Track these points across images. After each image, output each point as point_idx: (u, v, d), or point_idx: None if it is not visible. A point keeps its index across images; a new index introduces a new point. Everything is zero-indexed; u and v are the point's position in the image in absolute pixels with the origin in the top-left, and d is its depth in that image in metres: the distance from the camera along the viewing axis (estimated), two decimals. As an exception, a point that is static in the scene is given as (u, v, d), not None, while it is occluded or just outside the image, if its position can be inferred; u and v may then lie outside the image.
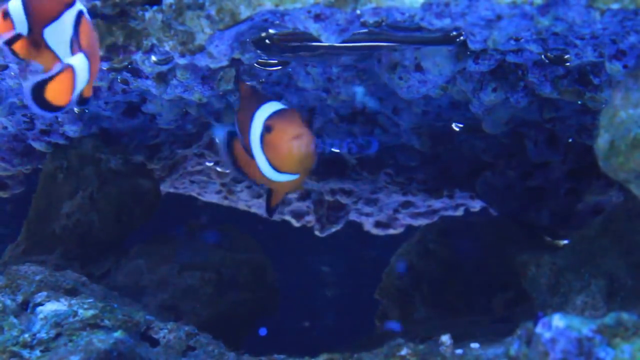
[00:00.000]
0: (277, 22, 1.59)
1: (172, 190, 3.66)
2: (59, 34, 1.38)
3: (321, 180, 3.02)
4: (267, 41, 1.72)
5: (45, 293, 1.70)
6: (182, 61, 1.79)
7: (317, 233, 3.58)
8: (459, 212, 3.80)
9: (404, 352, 1.39)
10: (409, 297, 2.90)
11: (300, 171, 1.66)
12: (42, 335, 1.53)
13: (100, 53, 1.66)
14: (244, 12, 1.49)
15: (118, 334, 1.45)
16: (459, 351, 1.36)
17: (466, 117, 2.42)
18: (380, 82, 2.01)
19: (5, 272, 1.79)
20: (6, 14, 1.38)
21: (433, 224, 3.21)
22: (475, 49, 1.67)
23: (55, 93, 1.32)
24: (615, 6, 1.35)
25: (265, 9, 1.48)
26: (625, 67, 1.59)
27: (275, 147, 1.62)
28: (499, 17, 1.46)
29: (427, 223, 3.60)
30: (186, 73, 1.91)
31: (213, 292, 2.59)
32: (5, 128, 2.29)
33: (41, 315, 1.61)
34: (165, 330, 1.65)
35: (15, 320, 1.57)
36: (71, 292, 1.76)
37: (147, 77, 1.95)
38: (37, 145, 2.42)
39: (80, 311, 1.60)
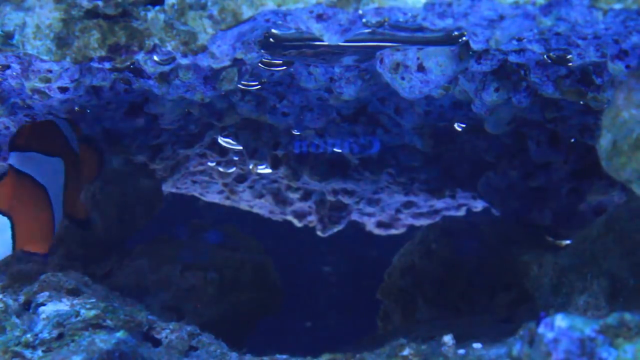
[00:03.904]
0: (280, 22, 1.59)
1: (174, 190, 3.67)
2: None
3: (323, 180, 3.02)
4: (271, 40, 1.73)
5: (47, 293, 1.70)
6: (184, 61, 1.79)
7: (319, 233, 3.58)
8: (461, 212, 3.80)
9: (406, 352, 1.39)
10: (410, 297, 2.90)
11: None
12: (44, 335, 1.53)
13: (102, 53, 1.66)
14: (246, 12, 1.49)
15: (120, 334, 1.44)
16: (461, 351, 1.36)
17: (468, 117, 2.42)
18: (382, 82, 2.01)
19: (7, 272, 1.80)
20: None
21: (435, 224, 3.20)
22: (478, 49, 1.66)
23: None
24: (617, 6, 1.34)
25: (268, 9, 1.48)
26: (627, 67, 1.59)
27: None
28: (502, 17, 1.46)
29: (429, 223, 3.60)
30: (188, 73, 1.91)
31: (215, 292, 2.60)
32: (7, 128, 2.29)
33: (43, 315, 1.61)
34: (168, 331, 1.65)
35: (17, 320, 1.57)
36: (73, 292, 1.75)
37: (149, 77, 1.95)
38: (39, 146, 2.42)
39: (83, 311, 1.60)
